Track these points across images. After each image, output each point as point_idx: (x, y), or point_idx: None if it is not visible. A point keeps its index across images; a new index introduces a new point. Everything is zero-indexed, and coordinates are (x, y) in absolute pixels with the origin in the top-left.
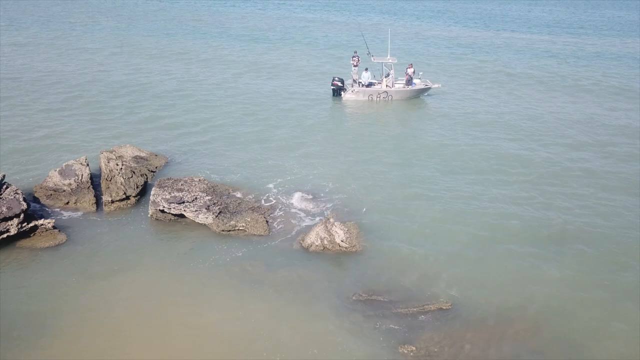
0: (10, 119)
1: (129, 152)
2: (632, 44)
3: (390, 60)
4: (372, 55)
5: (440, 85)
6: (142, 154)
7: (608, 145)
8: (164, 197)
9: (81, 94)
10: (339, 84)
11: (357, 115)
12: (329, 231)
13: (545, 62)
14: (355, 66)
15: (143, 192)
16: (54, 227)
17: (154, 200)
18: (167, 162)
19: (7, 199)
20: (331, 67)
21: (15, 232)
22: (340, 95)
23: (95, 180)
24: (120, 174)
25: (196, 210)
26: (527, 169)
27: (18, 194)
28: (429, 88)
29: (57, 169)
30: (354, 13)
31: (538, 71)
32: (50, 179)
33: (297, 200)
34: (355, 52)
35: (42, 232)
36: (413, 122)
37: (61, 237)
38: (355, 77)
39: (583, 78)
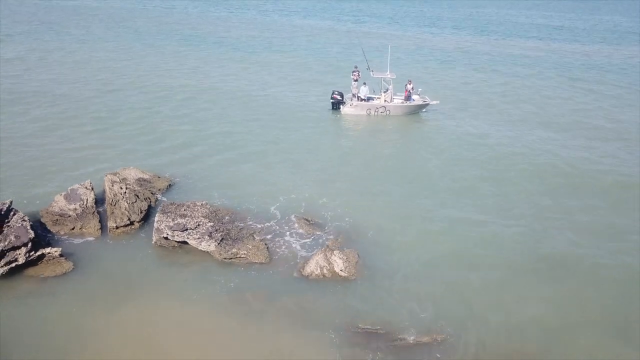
0: (12, 138)
1: (132, 174)
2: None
3: (389, 76)
4: (372, 70)
5: (438, 101)
6: (146, 176)
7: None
8: (167, 224)
9: (83, 111)
10: (338, 97)
11: (355, 131)
12: (328, 260)
13: (545, 74)
14: (355, 80)
15: (147, 216)
16: (61, 255)
17: (158, 228)
18: (170, 184)
19: (15, 227)
20: (331, 78)
21: (24, 261)
22: (339, 108)
23: (100, 203)
24: (125, 199)
25: (199, 238)
26: (528, 192)
27: (25, 221)
28: (427, 104)
29: (63, 194)
30: (354, 20)
31: (538, 82)
32: (55, 204)
33: (297, 224)
34: (356, 66)
35: (49, 260)
36: (411, 140)
37: (68, 265)
38: (354, 91)
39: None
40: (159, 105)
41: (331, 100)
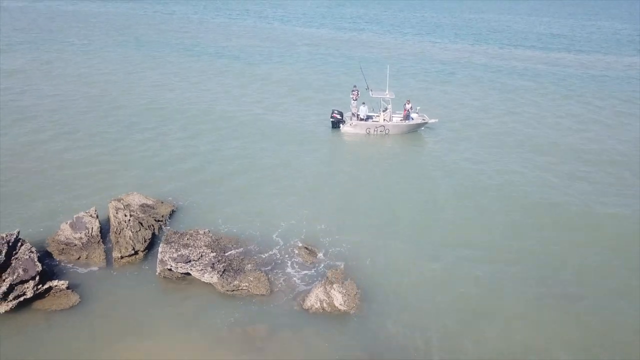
0: (16, 160)
1: (136, 200)
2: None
3: (388, 96)
4: (371, 90)
5: (437, 120)
6: (149, 202)
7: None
8: (171, 255)
9: (86, 131)
10: (338, 116)
11: (355, 153)
12: (328, 294)
13: (545, 87)
14: (354, 100)
15: (151, 245)
16: (68, 288)
17: (162, 259)
18: (173, 210)
19: (23, 260)
20: (331, 92)
21: (32, 294)
22: (340, 127)
23: (104, 230)
24: (129, 227)
25: (202, 270)
26: (528, 214)
27: (32, 252)
28: (426, 122)
29: (69, 222)
30: (353, 27)
31: (537, 99)
32: (62, 232)
33: (298, 252)
34: (355, 86)
35: (57, 292)
36: (411, 163)
37: (74, 297)
38: (354, 110)
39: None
40: (161, 125)
41: (331, 120)
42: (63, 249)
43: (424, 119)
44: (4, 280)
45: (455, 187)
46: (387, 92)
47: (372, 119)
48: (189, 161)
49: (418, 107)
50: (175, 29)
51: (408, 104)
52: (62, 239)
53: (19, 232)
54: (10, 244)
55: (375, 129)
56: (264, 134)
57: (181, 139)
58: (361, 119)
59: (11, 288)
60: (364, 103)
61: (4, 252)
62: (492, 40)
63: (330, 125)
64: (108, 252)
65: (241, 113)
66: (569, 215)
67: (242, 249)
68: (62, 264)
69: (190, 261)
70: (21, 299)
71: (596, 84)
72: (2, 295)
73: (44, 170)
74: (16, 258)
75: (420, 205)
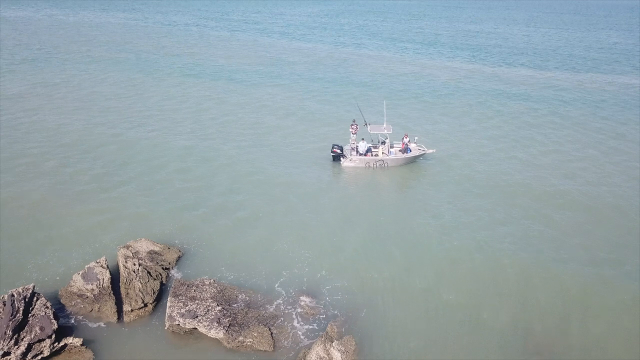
0: (21, 200)
1: (144, 247)
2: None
3: (385, 131)
4: (369, 125)
5: (435, 150)
6: (156, 248)
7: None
8: (179, 310)
9: (90, 167)
10: (338, 151)
11: (355, 190)
12: (327, 352)
13: (540, 112)
14: (353, 134)
15: (159, 296)
16: (82, 344)
17: (170, 315)
18: (179, 256)
19: (39, 317)
20: (331, 117)
21: (48, 353)
22: (340, 160)
23: (114, 278)
24: (138, 278)
25: (208, 325)
26: (526, 250)
27: (48, 308)
28: (424, 153)
29: (80, 272)
30: (352, 42)
31: (532, 120)
32: (74, 284)
33: (299, 305)
34: (354, 120)
35: (72, 349)
36: (410, 199)
37: (88, 354)
38: (353, 145)
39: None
40: (163, 156)
41: (332, 154)
42: (76, 300)
43: (421, 150)
44: (22, 340)
45: (454, 223)
46: (384, 127)
47: (371, 151)
48: (191, 199)
49: (416, 137)
50: (175, 44)
51: (406, 137)
52: (75, 290)
53: (34, 287)
54: (26, 299)
55: (375, 163)
56: (267, 168)
57: (184, 171)
58: (360, 154)
59: (29, 347)
60: (363, 139)
61: (21, 309)
62: (490, 56)
63: (331, 158)
64: (119, 305)
65: (243, 142)
66: (563, 279)
67: (246, 298)
68: (75, 317)
69: (197, 316)
70: (38, 357)
71: (593, 109)
72: (21, 355)
73: (48, 214)
74: (33, 315)
75: (420, 246)
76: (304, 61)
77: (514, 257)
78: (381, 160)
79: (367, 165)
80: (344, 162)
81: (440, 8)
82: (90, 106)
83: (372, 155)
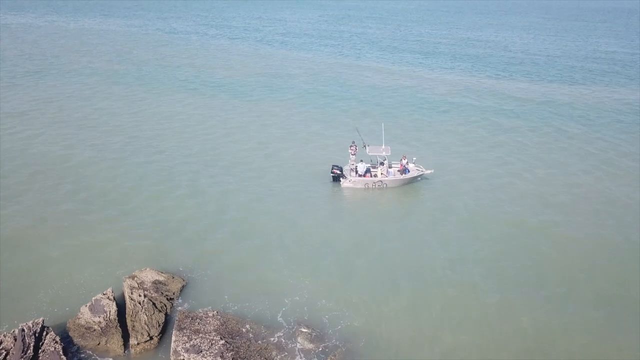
0: (26, 230)
1: (149, 277)
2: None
3: (384, 153)
4: (367, 146)
5: (432, 170)
6: (161, 278)
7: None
8: (184, 346)
9: (93, 193)
10: (338, 171)
11: (355, 211)
12: None
13: (539, 130)
14: (353, 155)
15: (165, 326)
16: None
17: (175, 349)
18: (183, 286)
19: (49, 352)
20: (331, 135)
21: None
22: (340, 181)
23: (121, 309)
24: (144, 310)
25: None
26: (522, 274)
27: (57, 342)
28: (422, 174)
29: (88, 305)
30: (352, 51)
31: (535, 138)
32: (82, 316)
33: (300, 337)
34: (353, 142)
35: None
36: (410, 223)
37: None
38: (352, 166)
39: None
40: (167, 182)
41: (331, 175)
42: (84, 333)
43: (420, 170)
44: None
45: (452, 255)
46: (382, 148)
47: (370, 172)
48: (195, 226)
49: (414, 158)
50: (175, 54)
51: (404, 159)
52: (83, 322)
53: (43, 321)
54: (36, 334)
55: (374, 184)
56: (266, 194)
57: (187, 197)
58: (360, 175)
59: None
60: (361, 160)
61: (31, 345)
62: (488, 68)
63: (331, 179)
64: (125, 337)
65: (244, 162)
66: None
67: (249, 330)
68: (84, 351)
69: (201, 351)
70: None
71: (590, 127)
72: None
73: (55, 243)
74: (43, 351)
75: (419, 273)
76: (304, 73)
77: (519, 295)
78: (380, 181)
79: (366, 186)
80: (344, 183)
81: (439, 13)
82: (94, 126)
83: (371, 175)
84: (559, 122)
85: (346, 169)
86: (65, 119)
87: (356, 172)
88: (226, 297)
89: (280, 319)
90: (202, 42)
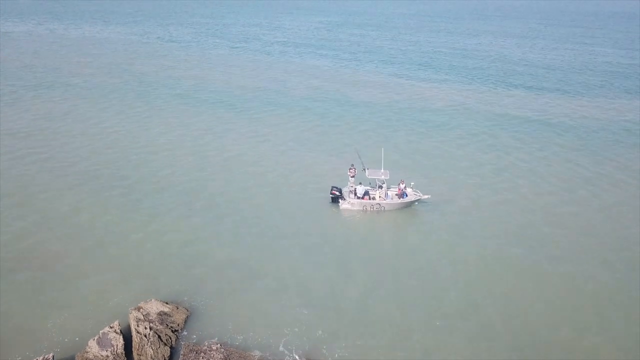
0: (32, 261)
1: (154, 308)
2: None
3: (383, 176)
4: (366, 169)
5: (429, 196)
6: (166, 309)
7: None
8: None
9: (97, 226)
10: (337, 193)
11: (353, 235)
12: None
13: (538, 148)
14: (352, 177)
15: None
16: None
17: None
18: (187, 317)
19: None
20: (329, 151)
21: None
22: (339, 202)
23: (127, 340)
24: (150, 344)
25: None
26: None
27: None
28: (419, 199)
29: (95, 338)
30: (351, 62)
31: (534, 159)
32: (90, 349)
33: None
34: (352, 164)
35: None
36: (408, 250)
37: None
38: (351, 188)
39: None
40: (167, 204)
41: (331, 196)
42: None
43: (417, 195)
44: None
45: (453, 280)
46: (381, 172)
47: (368, 194)
48: (197, 252)
49: (412, 183)
50: (176, 65)
51: (402, 183)
52: (91, 356)
53: (53, 356)
54: None
55: (372, 207)
56: (267, 217)
57: (186, 221)
58: (358, 197)
59: None
60: (360, 183)
61: None
62: (486, 79)
63: (330, 200)
64: None
65: (244, 190)
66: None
67: None
68: None
69: None
70: None
71: (587, 142)
72: None
73: (61, 272)
74: None
75: (419, 305)
76: (303, 87)
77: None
78: (378, 203)
79: (364, 208)
80: (343, 205)
81: (438, 19)
82: (95, 144)
83: (369, 198)
84: (557, 135)
85: (345, 191)
86: (67, 138)
87: (355, 194)
88: (230, 327)
89: (282, 348)
90: (201, 53)
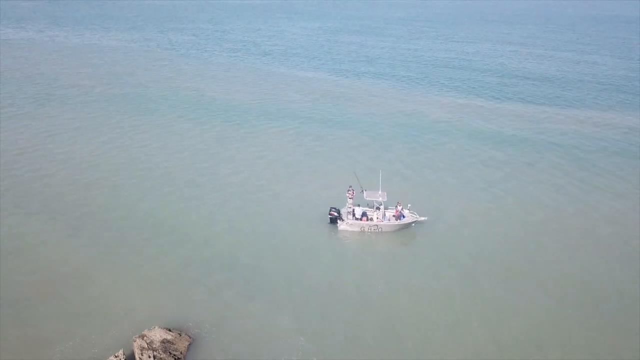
0: (37, 286)
1: (157, 336)
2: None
3: (380, 198)
4: (364, 191)
5: (427, 217)
6: (169, 337)
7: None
8: None
9: (100, 246)
10: (335, 214)
11: (351, 257)
12: None
13: (540, 175)
14: (350, 198)
15: None
16: None
17: None
18: (189, 344)
19: None
20: (328, 168)
21: None
22: (337, 223)
23: None
24: None
25: None
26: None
27: None
28: (417, 220)
29: None
30: (350, 74)
31: (535, 177)
32: None
33: None
34: (350, 186)
35: None
36: (406, 274)
37: None
38: (349, 209)
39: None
40: (168, 226)
41: (329, 216)
42: None
43: (414, 216)
44: None
45: (454, 307)
46: (379, 194)
47: (366, 215)
48: (198, 275)
49: (409, 205)
50: (176, 76)
51: (399, 205)
52: None
53: None
54: None
55: (370, 228)
56: (267, 238)
57: (186, 245)
58: (357, 219)
59: None
60: (359, 205)
61: None
62: (484, 89)
63: (328, 220)
64: None
65: (243, 209)
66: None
67: None
68: None
69: None
70: None
71: (584, 159)
72: None
73: (62, 297)
74: None
75: (411, 345)
76: (303, 99)
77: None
78: (376, 225)
79: (362, 229)
80: (341, 226)
81: (438, 24)
82: (97, 163)
83: (367, 219)
84: (554, 149)
85: (344, 212)
86: (67, 156)
87: (353, 215)
88: (230, 355)
89: None
90: (201, 61)
